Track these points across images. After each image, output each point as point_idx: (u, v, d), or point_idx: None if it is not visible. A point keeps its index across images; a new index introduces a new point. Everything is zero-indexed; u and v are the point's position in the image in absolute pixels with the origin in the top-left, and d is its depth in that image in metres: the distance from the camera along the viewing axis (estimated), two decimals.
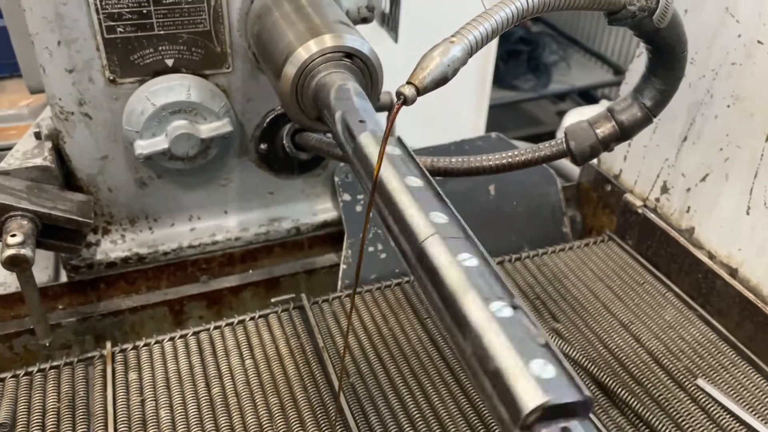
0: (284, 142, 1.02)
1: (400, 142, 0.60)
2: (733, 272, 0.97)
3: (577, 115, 3.05)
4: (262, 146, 1.04)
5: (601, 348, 0.97)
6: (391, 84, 1.21)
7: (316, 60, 0.76)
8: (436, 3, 1.92)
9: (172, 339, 0.95)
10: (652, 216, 1.10)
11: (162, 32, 0.89)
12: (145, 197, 1.03)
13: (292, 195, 1.12)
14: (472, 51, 0.60)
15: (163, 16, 0.88)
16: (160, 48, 0.90)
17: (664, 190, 1.08)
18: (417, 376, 0.90)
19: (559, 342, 0.94)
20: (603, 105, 3.09)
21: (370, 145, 0.59)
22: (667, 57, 0.78)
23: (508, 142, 1.21)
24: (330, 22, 0.80)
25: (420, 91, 0.57)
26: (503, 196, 1.21)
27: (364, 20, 0.98)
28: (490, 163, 0.86)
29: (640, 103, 0.82)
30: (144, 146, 0.91)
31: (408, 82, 0.57)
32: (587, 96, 3.78)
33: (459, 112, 2.98)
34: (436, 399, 0.87)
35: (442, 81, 0.58)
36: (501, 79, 3.54)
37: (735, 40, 0.93)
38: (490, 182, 1.19)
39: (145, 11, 0.87)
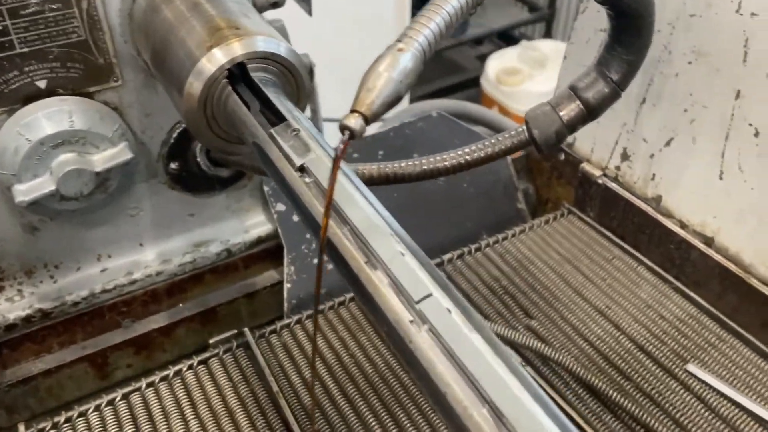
0: (198, 159, 0.87)
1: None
2: (709, 241, 0.90)
3: (498, 60, 2.97)
4: (173, 165, 0.88)
5: (581, 342, 0.89)
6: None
7: (225, 72, 0.61)
8: None
9: (98, 408, 0.81)
10: (613, 185, 1.01)
11: (26, 49, 0.72)
12: (40, 243, 0.86)
13: (217, 213, 0.97)
14: (425, 55, 0.48)
15: (25, 30, 0.70)
16: (27, 69, 0.73)
17: (625, 157, 0.99)
18: (390, 410, 0.79)
19: (539, 344, 0.85)
20: (523, 46, 3.01)
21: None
22: (635, 23, 0.68)
23: (451, 120, 1.09)
24: (236, 20, 0.65)
25: (369, 120, 0.44)
26: (453, 178, 1.09)
27: (275, 5, 0.83)
28: (446, 163, 0.74)
29: (606, 76, 0.72)
30: (25, 191, 0.74)
31: (353, 110, 0.44)
32: (505, 37, 3.69)
33: None
34: None
35: (395, 101, 0.46)
36: None
37: None
38: None
39: (0, 27, 0.69)
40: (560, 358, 0.83)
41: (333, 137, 0.52)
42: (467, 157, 0.73)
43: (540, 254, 1.01)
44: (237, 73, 0.63)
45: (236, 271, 1.00)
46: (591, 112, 0.73)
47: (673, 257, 0.95)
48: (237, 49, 0.62)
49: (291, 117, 0.56)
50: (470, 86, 3.42)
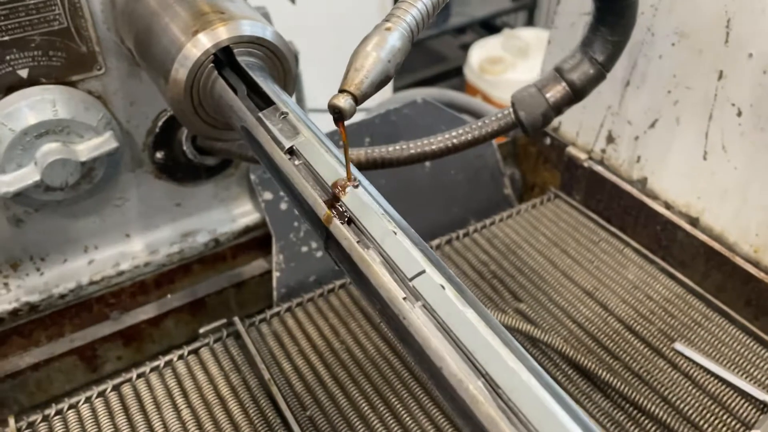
0: (184, 147, 0.86)
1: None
2: (694, 221, 0.91)
3: (481, 48, 2.97)
4: (159, 155, 0.87)
5: (570, 323, 0.89)
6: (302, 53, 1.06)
7: (211, 57, 0.61)
8: None
9: (88, 400, 0.80)
10: (599, 168, 1.02)
11: (6, 38, 0.71)
12: (25, 235, 0.85)
13: (204, 203, 0.97)
14: (413, 35, 0.48)
15: (5, 18, 0.69)
16: (8, 58, 0.72)
17: (610, 140, 1.00)
18: (381, 394, 0.80)
19: (528, 326, 0.86)
20: (506, 34, 3.01)
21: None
22: (617, 4, 0.68)
23: (436, 106, 1.09)
24: (220, 5, 0.65)
25: (359, 99, 0.44)
26: (439, 165, 1.10)
27: None
28: (433, 147, 0.74)
29: (591, 58, 0.72)
30: (9, 182, 0.74)
31: (341, 90, 0.44)
32: (488, 26, 3.69)
33: None
34: (406, 417, 0.77)
35: (384, 81, 0.46)
36: None
37: None
38: None
39: None
40: (549, 339, 0.84)
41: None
42: (454, 140, 0.73)
43: (527, 238, 1.02)
44: (223, 58, 0.62)
45: (224, 260, 1.00)
46: (577, 94, 0.73)
47: (659, 238, 0.96)
48: (222, 33, 0.61)
49: (278, 100, 0.56)
50: (453, 76, 3.43)
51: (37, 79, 0.74)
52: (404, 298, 0.41)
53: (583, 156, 1.04)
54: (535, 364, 0.37)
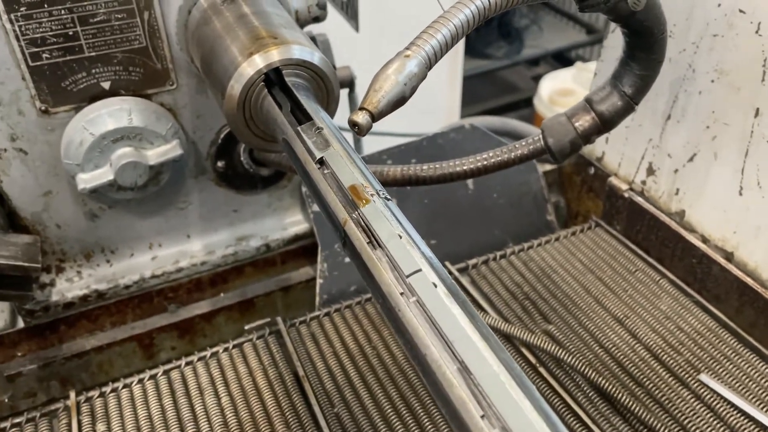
0: (242, 158, 0.95)
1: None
2: (729, 256, 0.92)
3: (552, 80, 2.99)
4: (220, 164, 0.96)
5: (597, 348, 0.91)
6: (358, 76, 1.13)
7: (262, 76, 0.68)
8: None
9: (140, 381, 0.89)
10: (639, 200, 1.04)
11: (93, 53, 0.81)
12: (99, 230, 0.95)
13: (259, 210, 1.05)
14: (431, 63, 0.53)
15: (93, 36, 0.80)
16: (94, 71, 0.82)
17: (650, 171, 1.02)
18: (406, 399, 0.84)
19: (554, 347, 0.88)
20: (578, 67, 3.02)
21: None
22: (646, 40, 0.72)
23: (484, 132, 1.14)
24: (276, 31, 0.73)
25: (375, 117, 0.50)
26: (483, 188, 1.14)
27: (316, 19, 0.90)
28: (465, 167, 0.79)
29: (620, 90, 0.76)
30: (87, 180, 0.83)
31: (361, 108, 0.50)
32: (562, 58, 3.70)
33: (432, 87, 2.90)
34: (428, 424, 0.81)
35: (399, 102, 0.51)
36: (473, 48, 3.46)
37: (715, 9, 0.86)
38: None
39: (71, 33, 0.78)
40: (572, 360, 0.86)
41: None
42: (485, 162, 0.78)
43: (563, 263, 1.05)
44: (273, 78, 0.70)
45: (274, 265, 1.08)
46: (605, 124, 0.77)
47: (695, 271, 0.97)
48: (274, 55, 0.69)
49: (316, 117, 0.63)
50: (524, 106, 3.45)
51: (117, 90, 0.84)
52: (401, 293, 0.46)
53: (624, 186, 1.06)
54: (508, 356, 0.42)
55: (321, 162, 0.58)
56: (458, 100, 3.07)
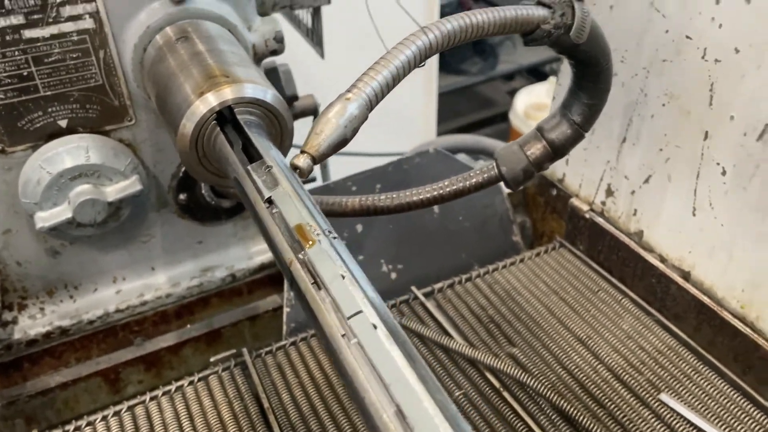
0: (203, 191, 0.95)
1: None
2: (686, 275, 0.93)
3: (527, 95, 3.02)
4: (182, 196, 0.96)
5: (560, 370, 0.92)
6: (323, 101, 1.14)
7: (214, 114, 0.69)
8: (357, 15, 1.86)
9: (104, 418, 0.88)
10: (600, 220, 1.06)
11: (49, 93, 0.81)
12: (61, 266, 0.95)
13: (224, 241, 1.05)
14: (371, 105, 0.54)
15: (48, 76, 0.80)
16: (50, 110, 0.82)
17: (609, 193, 1.04)
18: None
19: (518, 371, 0.89)
20: (552, 81, 3.06)
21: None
22: (592, 70, 0.73)
23: (447, 156, 1.16)
24: (229, 69, 0.73)
25: (317, 159, 0.51)
26: (448, 212, 1.16)
27: (274, 53, 0.91)
28: (421, 197, 0.80)
29: (569, 119, 0.77)
30: (45, 218, 0.83)
31: (302, 151, 0.51)
32: (536, 73, 3.75)
33: (408, 104, 2.93)
34: None
35: (340, 144, 0.52)
36: (447, 65, 3.50)
37: (663, 35, 0.88)
38: None
39: (25, 73, 0.79)
40: (535, 384, 0.87)
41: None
42: (440, 191, 0.79)
43: (528, 285, 1.06)
44: (227, 116, 0.71)
45: (240, 295, 1.08)
46: (556, 152, 0.78)
47: (655, 290, 0.98)
48: (227, 93, 0.69)
49: (266, 155, 0.63)
50: (500, 121, 3.49)
51: (74, 128, 0.84)
52: (343, 335, 0.47)
53: (585, 207, 1.08)
54: (445, 398, 0.42)
55: (270, 201, 0.59)
56: (434, 116, 3.10)
